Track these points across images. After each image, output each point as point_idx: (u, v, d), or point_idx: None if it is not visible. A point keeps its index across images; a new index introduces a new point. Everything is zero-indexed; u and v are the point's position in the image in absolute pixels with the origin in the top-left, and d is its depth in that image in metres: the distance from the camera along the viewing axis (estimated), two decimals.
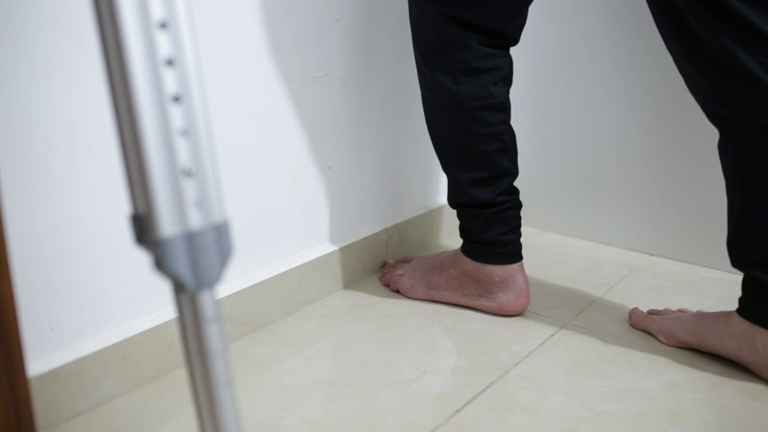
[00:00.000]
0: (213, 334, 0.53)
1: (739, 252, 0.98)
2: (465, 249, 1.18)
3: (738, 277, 1.23)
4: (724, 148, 0.97)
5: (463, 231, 1.18)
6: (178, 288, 0.53)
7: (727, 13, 0.87)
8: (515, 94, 1.15)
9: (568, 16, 1.41)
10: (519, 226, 1.16)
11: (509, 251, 1.14)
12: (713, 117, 0.97)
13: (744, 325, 0.98)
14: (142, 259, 0.96)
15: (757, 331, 0.96)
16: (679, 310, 1.13)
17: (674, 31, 0.96)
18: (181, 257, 0.51)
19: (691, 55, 0.94)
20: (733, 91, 0.91)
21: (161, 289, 0.99)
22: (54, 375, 0.88)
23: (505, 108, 1.10)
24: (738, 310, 0.99)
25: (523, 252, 1.17)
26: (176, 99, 0.51)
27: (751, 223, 0.94)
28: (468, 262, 1.17)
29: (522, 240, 1.17)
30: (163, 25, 0.50)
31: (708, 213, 1.33)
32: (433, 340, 1.10)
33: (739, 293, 1.02)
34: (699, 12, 0.89)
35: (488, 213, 1.13)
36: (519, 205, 1.15)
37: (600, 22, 1.38)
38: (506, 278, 1.15)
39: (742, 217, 0.95)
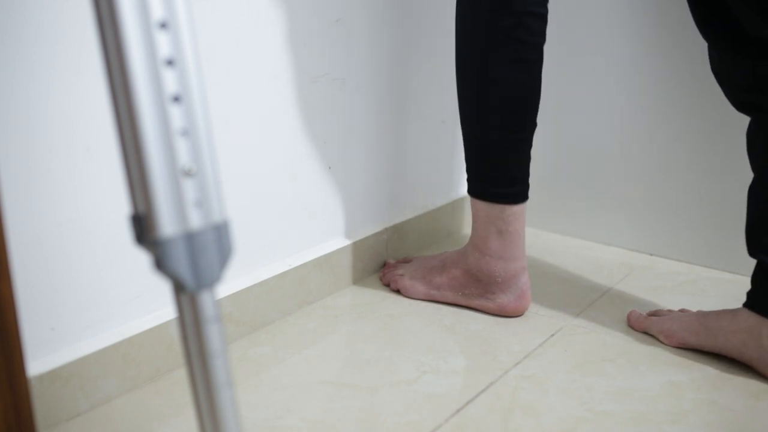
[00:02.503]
0: (213, 334, 0.53)
1: (759, 240, 0.98)
2: (473, 190, 1.16)
3: (738, 276, 1.23)
4: (755, 135, 0.98)
5: (473, 169, 1.17)
6: (178, 288, 0.53)
7: None
8: None
9: (570, 14, 1.41)
10: (528, 165, 1.15)
11: (519, 191, 1.14)
12: (746, 106, 0.97)
13: (751, 320, 0.98)
14: (142, 259, 0.96)
15: (765, 325, 0.96)
16: (681, 311, 1.13)
17: (711, 18, 0.96)
18: (181, 257, 0.51)
19: (728, 43, 0.94)
20: None
21: (161, 289, 0.99)
22: (54, 375, 0.88)
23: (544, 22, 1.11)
24: (746, 304, 0.99)
25: (525, 252, 1.17)
26: (176, 99, 0.51)
27: None
28: (471, 261, 1.17)
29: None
30: (163, 25, 0.50)
31: (708, 213, 1.33)
32: (433, 340, 1.10)
33: (739, 293, 1.02)
34: (743, 4, 0.89)
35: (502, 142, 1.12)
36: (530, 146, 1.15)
37: (599, 20, 1.38)
38: (508, 279, 1.15)
39: None
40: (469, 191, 1.17)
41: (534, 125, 1.13)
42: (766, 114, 0.95)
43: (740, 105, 0.98)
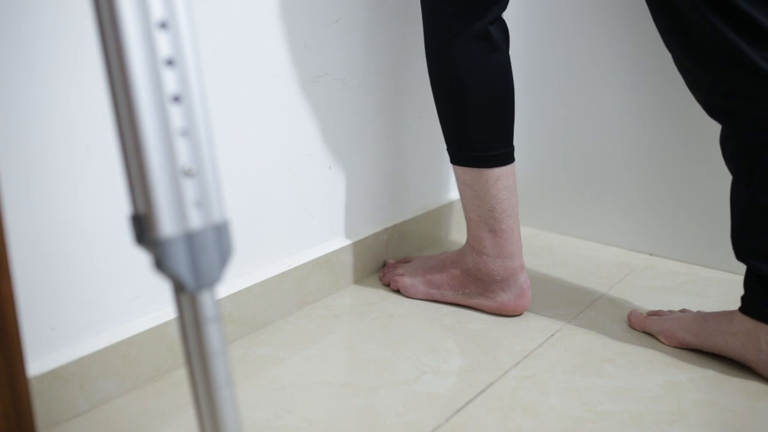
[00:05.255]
0: (213, 334, 0.53)
1: (744, 244, 0.98)
2: (458, 159, 1.16)
3: (738, 276, 1.22)
4: (727, 142, 0.98)
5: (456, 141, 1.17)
6: (178, 288, 0.53)
7: (729, 9, 0.88)
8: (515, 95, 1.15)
9: (568, 14, 1.41)
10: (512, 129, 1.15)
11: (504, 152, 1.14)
12: (716, 112, 0.97)
13: (748, 324, 0.98)
14: (142, 259, 0.96)
15: (762, 329, 0.96)
16: (681, 311, 1.13)
17: (675, 29, 0.96)
18: (181, 257, 0.51)
19: (693, 51, 0.95)
20: (739, 84, 0.92)
21: (161, 289, 0.99)
22: (54, 375, 0.88)
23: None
24: (741, 309, 0.99)
25: (524, 252, 1.17)
26: (176, 99, 0.51)
27: (761, 215, 0.95)
28: (469, 261, 1.17)
29: (522, 240, 1.17)
30: (163, 25, 0.50)
31: (708, 213, 1.33)
32: (433, 340, 1.10)
33: (739, 293, 1.01)
34: (701, 8, 0.89)
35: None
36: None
37: (599, 21, 1.38)
38: (507, 277, 1.15)
39: (750, 209, 0.96)
40: (451, 159, 1.17)
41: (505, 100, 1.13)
42: (734, 117, 0.95)
43: (710, 110, 0.98)
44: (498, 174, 1.12)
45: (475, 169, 1.13)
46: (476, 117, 1.11)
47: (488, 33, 1.08)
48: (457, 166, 1.16)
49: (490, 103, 1.11)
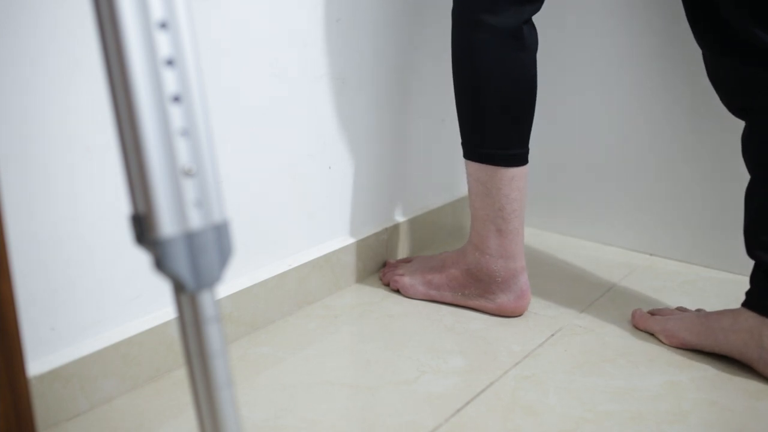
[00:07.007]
0: (213, 334, 0.53)
1: (756, 239, 0.98)
2: (473, 155, 1.14)
3: (738, 276, 1.23)
4: (748, 138, 0.99)
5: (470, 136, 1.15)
6: (178, 288, 0.52)
7: (759, 7, 0.89)
8: None
9: (569, 15, 1.41)
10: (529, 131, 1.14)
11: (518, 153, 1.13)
12: (741, 109, 0.99)
13: (752, 320, 0.98)
14: (142, 259, 0.96)
15: (766, 325, 0.96)
16: (678, 309, 1.13)
17: (707, 26, 0.97)
18: (181, 257, 0.51)
19: (721, 46, 0.95)
20: (765, 82, 0.93)
21: (161, 289, 0.99)
22: (54, 375, 0.88)
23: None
24: (746, 304, 0.99)
25: (524, 252, 1.17)
26: (176, 99, 0.51)
27: None
28: (470, 261, 1.17)
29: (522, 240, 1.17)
30: (163, 25, 0.50)
31: (708, 213, 1.33)
32: (433, 340, 1.10)
33: (739, 293, 1.02)
34: (733, 7, 0.90)
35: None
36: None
37: (601, 22, 1.38)
38: (508, 279, 1.14)
39: (766, 205, 0.97)
40: (465, 154, 1.16)
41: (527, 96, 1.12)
42: (757, 116, 0.96)
43: (734, 108, 1.00)
44: (513, 174, 1.12)
45: (491, 166, 1.12)
46: (498, 114, 1.10)
47: (521, 31, 1.08)
48: (470, 162, 1.15)
49: (513, 101, 1.10)
